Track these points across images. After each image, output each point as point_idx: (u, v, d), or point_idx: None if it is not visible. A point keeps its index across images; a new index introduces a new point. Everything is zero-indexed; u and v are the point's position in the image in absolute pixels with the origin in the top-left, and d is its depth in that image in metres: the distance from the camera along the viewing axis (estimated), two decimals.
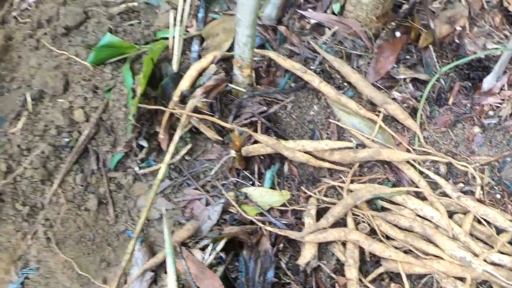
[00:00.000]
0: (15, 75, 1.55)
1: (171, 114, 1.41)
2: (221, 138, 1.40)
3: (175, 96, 1.44)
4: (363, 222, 1.36)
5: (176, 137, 1.31)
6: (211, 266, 1.25)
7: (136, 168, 1.41)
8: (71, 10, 1.59)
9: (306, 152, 1.44)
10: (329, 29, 1.65)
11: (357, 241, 1.31)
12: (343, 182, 1.45)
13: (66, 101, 1.39)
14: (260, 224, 1.33)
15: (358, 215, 1.38)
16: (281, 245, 1.34)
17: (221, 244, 1.28)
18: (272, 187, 1.44)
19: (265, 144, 1.42)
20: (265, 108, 1.49)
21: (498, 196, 1.43)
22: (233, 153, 1.39)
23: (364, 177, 1.47)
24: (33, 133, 1.35)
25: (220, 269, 1.26)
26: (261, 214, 1.38)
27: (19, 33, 1.63)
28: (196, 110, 1.39)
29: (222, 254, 1.27)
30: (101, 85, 1.44)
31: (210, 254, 1.26)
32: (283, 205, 1.40)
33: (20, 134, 1.35)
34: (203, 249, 1.29)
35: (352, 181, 1.45)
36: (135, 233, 1.18)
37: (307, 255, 1.31)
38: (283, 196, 1.41)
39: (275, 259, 1.32)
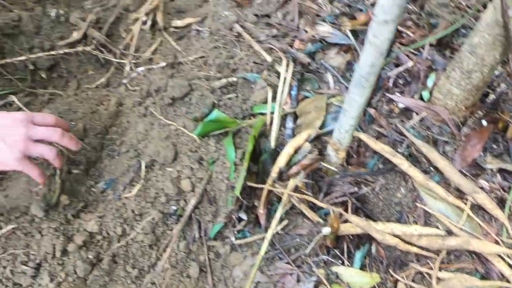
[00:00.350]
0: (124, 139, 1.69)
1: (270, 190, 1.50)
2: (321, 220, 1.47)
3: (274, 173, 1.53)
4: None
5: (278, 215, 1.40)
6: None
7: (233, 239, 1.49)
8: (178, 83, 1.73)
9: (394, 235, 1.49)
10: (417, 114, 1.73)
11: None
12: (431, 268, 1.47)
13: (175, 171, 1.51)
14: None
15: None
16: None
17: None
18: (361, 268, 1.48)
19: (356, 225, 1.48)
20: (356, 189, 1.57)
21: None
22: (326, 231, 1.46)
23: (451, 265, 1.49)
24: (145, 200, 1.47)
25: None
26: None
27: (128, 99, 1.79)
28: (295, 188, 1.48)
29: None
30: (206, 157, 1.55)
31: None
32: (373, 287, 1.44)
33: (134, 200, 1.47)
34: None
35: (440, 269, 1.47)
36: None
37: None
38: (373, 279, 1.45)
39: None
